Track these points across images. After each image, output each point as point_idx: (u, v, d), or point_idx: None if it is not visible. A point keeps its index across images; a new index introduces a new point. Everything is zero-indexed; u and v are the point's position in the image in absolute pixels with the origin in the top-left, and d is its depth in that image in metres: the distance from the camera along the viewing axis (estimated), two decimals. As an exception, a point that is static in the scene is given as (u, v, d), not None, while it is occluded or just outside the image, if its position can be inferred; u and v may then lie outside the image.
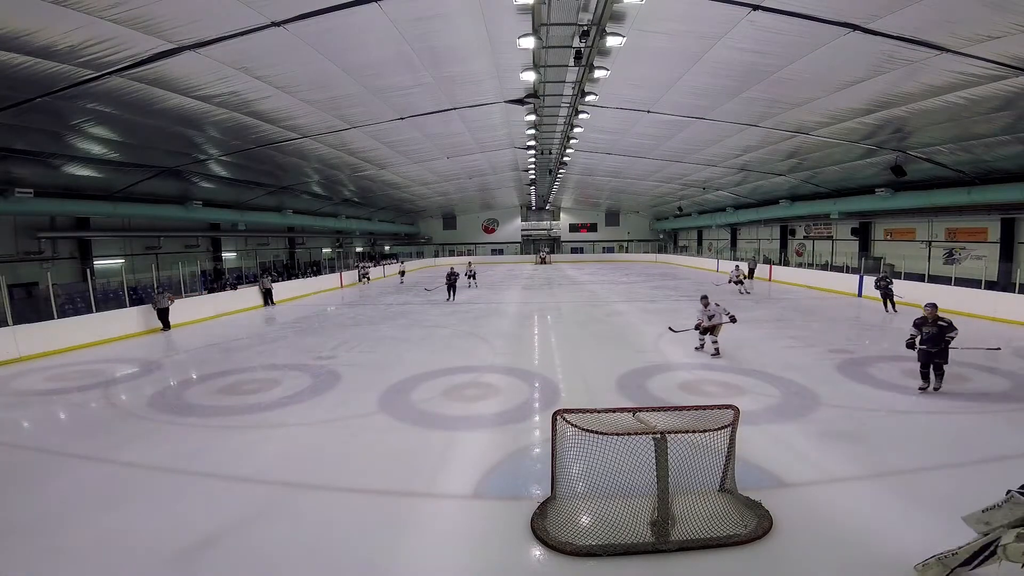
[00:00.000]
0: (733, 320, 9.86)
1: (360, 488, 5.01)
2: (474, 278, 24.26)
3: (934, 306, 7.29)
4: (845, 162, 17.84)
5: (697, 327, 10.07)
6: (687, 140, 18.40)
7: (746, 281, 23.88)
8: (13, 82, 8.92)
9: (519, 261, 43.92)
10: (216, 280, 21.33)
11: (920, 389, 7.41)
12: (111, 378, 9.41)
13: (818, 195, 23.36)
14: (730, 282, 20.86)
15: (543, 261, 42.61)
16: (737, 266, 21.97)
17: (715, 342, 9.86)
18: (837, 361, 9.39)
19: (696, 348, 10.22)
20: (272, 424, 6.86)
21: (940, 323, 7.14)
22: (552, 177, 30.32)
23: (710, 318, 9.78)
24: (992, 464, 5.22)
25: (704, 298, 10.21)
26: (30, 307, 13.03)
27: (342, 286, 26.06)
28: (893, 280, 14.90)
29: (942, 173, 16.24)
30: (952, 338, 7.13)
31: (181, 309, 15.39)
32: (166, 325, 14.18)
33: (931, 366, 7.31)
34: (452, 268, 20.31)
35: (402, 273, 30.30)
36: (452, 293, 18.72)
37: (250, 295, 19.09)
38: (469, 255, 45.00)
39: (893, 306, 14.31)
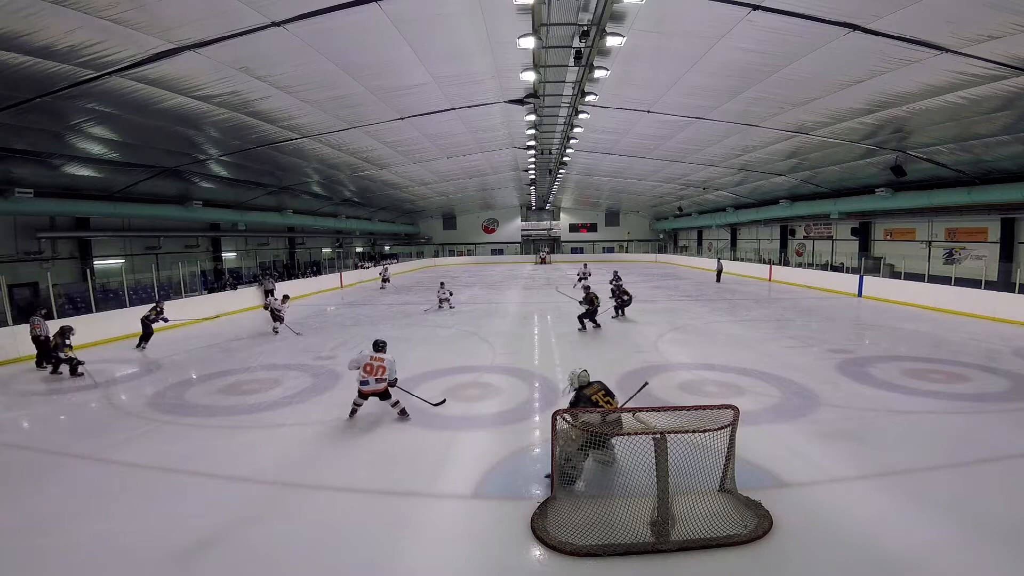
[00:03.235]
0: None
1: (360, 488, 5.01)
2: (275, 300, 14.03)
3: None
4: (845, 162, 17.83)
5: None
6: (687, 140, 18.39)
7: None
8: (13, 82, 8.91)
9: (519, 261, 43.91)
10: (216, 280, 21.33)
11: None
12: (111, 377, 9.41)
13: (818, 195, 23.35)
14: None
15: (543, 261, 42.61)
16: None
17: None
18: (837, 361, 9.39)
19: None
20: (272, 424, 6.86)
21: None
22: (552, 177, 30.30)
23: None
24: (992, 464, 5.22)
25: None
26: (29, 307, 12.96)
27: (342, 286, 26.05)
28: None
29: (942, 173, 16.23)
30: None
31: (182, 309, 15.37)
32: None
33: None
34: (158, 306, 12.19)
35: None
36: (144, 341, 11.77)
37: (250, 295, 19.09)
38: (469, 255, 45.10)
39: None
